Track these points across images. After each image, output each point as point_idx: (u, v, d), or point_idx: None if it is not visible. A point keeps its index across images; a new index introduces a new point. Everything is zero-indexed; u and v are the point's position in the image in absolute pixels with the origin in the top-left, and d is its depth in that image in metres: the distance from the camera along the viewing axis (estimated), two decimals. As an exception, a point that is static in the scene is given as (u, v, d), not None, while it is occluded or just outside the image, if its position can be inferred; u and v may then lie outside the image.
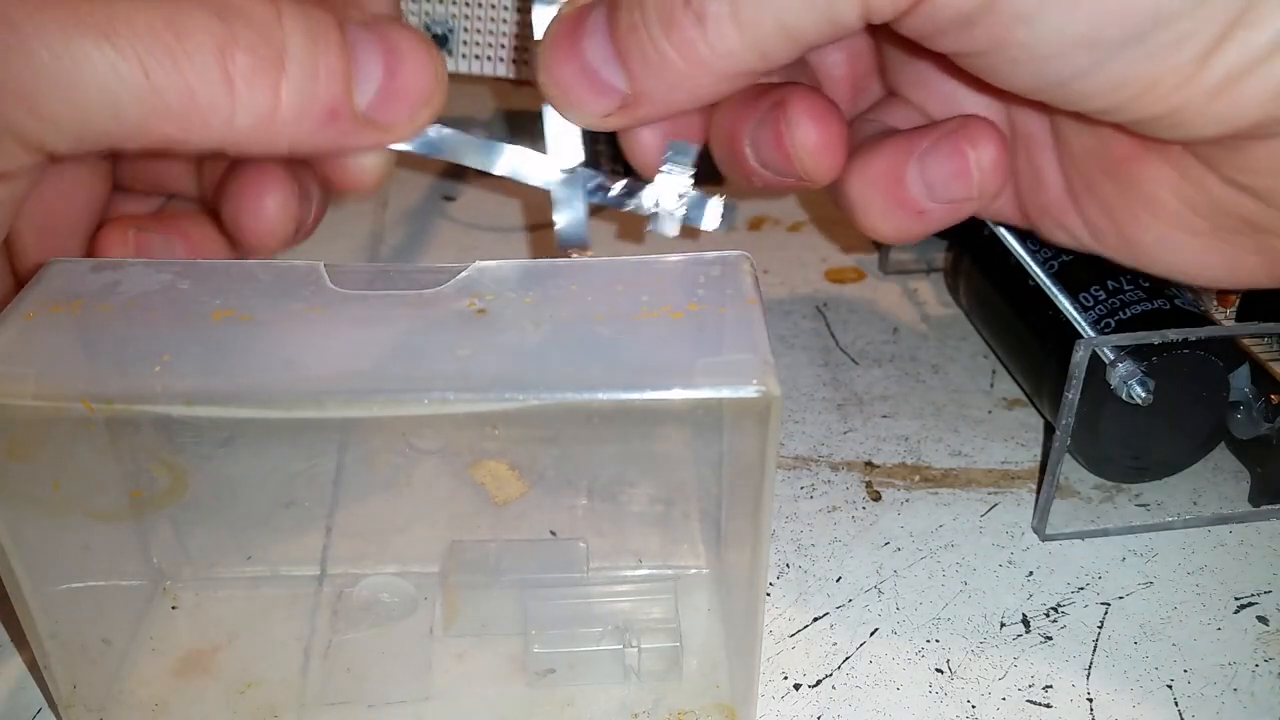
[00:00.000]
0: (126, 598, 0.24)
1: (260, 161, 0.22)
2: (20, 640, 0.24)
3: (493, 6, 0.29)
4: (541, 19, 0.23)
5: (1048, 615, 0.25)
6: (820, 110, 0.22)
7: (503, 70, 0.30)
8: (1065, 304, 0.27)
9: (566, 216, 0.24)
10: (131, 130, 0.19)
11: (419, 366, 0.18)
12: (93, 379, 0.18)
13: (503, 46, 0.30)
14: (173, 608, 0.24)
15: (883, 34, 0.25)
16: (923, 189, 0.24)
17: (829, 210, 0.42)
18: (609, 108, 0.22)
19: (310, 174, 0.23)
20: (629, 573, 0.25)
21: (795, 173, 0.23)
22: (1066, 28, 0.19)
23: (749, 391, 0.18)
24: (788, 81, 0.23)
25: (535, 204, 0.42)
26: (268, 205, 0.22)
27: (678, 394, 0.18)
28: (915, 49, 0.22)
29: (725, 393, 0.18)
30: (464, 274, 0.20)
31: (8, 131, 0.19)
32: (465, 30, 0.29)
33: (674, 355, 0.19)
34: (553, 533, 0.25)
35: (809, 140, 0.22)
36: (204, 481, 0.23)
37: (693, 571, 0.25)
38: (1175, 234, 0.23)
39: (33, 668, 0.23)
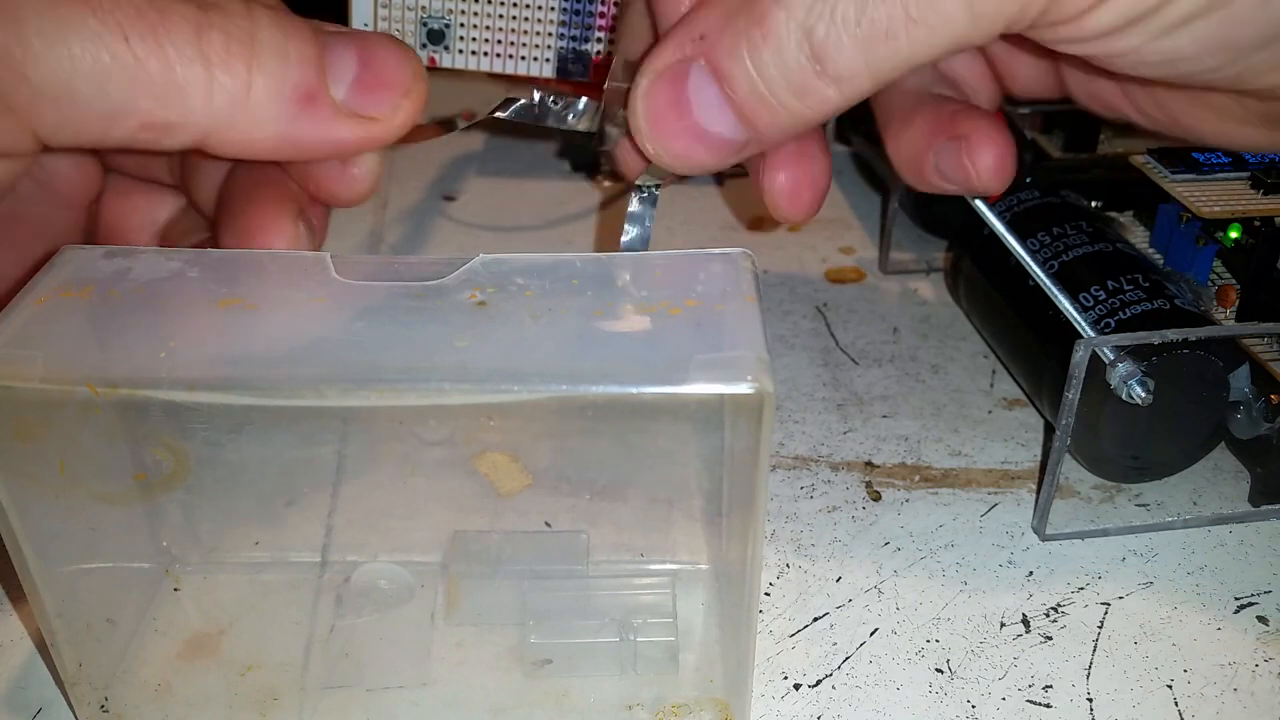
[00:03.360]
0: (132, 580, 0.24)
1: (266, 200, 0.23)
2: (30, 623, 0.24)
3: (489, 2, 0.29)
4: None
5: (1048, 615, 0.25)
6: (996, 137, 0.26)
7: (500, 66, 0.30)
8: (1065, 304, 0.27)
9: (635, 231, 0.25)
10: (116, 107, 0.20)
11: (417, 357, 0.19)
12: (98, 363, 0.18)
13: (499, 42, 0.30)
14: (175, 589, 0.24)
15: None
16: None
17: (829, 210, 0.42)
18: (725, 156, 0.23)
19: (312, 206, 0.24)
20: (629, 566, 0.25)
21: (975, 188, 0.26)
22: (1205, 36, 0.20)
23: (742, 388, 0.18)
24: (962, 104, 0.27)
25: (535, 204, 0.42)
26: (277, 246, 0.23)
27: (671, 389, 0.18)
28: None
29: (718, 389, 0.18)
30: (467, 266, 0.21)
31: (2, 104, 0.19)
32: (462, 25, 0.29)
33: (670, 351, 0.19)
34: (547, 524, 0.25)
35: (987, 164, 0.26)
36: (212, 467, 0.23)
37: (692, 567, 0.25)
38: (1232, 126, 0.24)
39: (41, 648, 0.23)
